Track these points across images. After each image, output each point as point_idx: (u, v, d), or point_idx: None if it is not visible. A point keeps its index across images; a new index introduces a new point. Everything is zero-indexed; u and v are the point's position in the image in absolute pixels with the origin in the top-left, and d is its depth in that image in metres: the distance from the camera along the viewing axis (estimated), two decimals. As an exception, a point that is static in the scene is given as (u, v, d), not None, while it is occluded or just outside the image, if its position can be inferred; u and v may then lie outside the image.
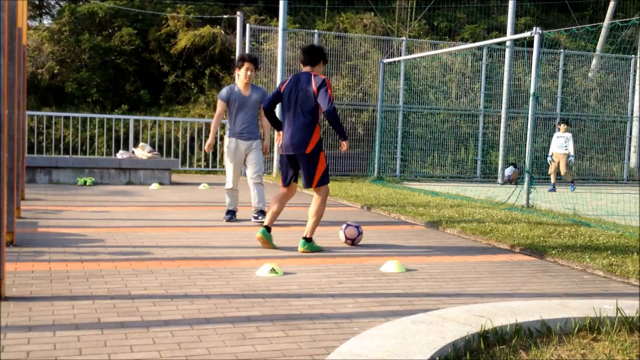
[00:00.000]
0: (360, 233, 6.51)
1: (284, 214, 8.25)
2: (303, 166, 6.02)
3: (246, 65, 7.49)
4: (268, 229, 6.09)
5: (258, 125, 7.87)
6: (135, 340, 3.40)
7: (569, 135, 13.98)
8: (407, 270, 5.36)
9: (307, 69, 6.07)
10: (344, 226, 6.56)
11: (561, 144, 13.82)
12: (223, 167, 15.60)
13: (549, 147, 14.66)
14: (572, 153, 13.82)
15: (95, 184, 11.93)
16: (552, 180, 13.93)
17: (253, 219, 7.80)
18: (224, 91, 7.67)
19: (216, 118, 7.69)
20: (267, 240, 6.07)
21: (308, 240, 6.04)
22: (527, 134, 9.97)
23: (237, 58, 7.83)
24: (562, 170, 13.84)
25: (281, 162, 6.20)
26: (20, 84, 6.80)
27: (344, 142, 6.11)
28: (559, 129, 14.29)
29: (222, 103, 7.66)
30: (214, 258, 5.59)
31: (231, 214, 7.84)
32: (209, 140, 7.75)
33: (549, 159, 14.69)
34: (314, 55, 6.08)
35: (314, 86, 5.88)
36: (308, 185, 6.06)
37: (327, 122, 6.16)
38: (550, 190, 13.22)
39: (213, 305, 4.10)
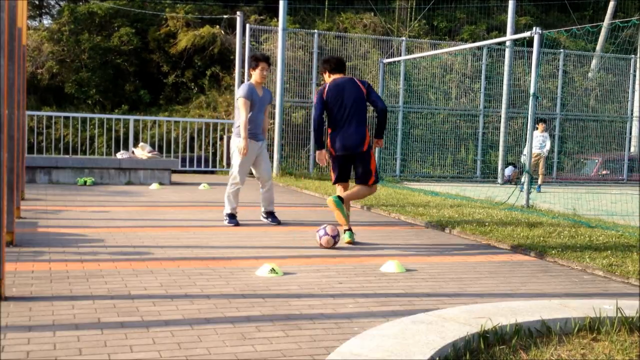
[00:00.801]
0: (335, 236, 6.28)
1: (284, 214, 8.25)
2: (360, 163, 6.48)
3: (261, 65, 7.41)
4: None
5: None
6: (135, 340, 3.40)
7: (547, 134, 14.05)
8: (407, 270, 5.36)
9: (340, 75, 6.62)
10: (321, 232, 6.31)
11: (540, 143, 13.83)
12: (223, 166, 15.63)
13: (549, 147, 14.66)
14: (546, 153, 13.87)
15: (95, 184, 11.93)
16: (540, 181, 13.97)
17: (263, 219, 7.84)
18: (247, 90, 7.35)
19: (246, 119, 7.30)
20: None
21: (343, 201, 6.46)
22: (527, 133, 9.97)
23: (251, 58, 7.70)
24: (540, 169, 13.89)
25: (335, 161, 6.56)
26: (20, 84, 6.80)
27: (381, 140, 6.70)
28: (537, 128, 14.32)
29: (248, 102, 7.33)
30: (214, 258, 5.59)
31: (235, 218, 7.62)
32: (242, 143, 7.31)
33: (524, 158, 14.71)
34: (343, 64, 6.75)
35: (363, 88, 6.48)
36: (365, 182, 6.53)
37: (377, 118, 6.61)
38: (537, 191, 13.26)
39: (213, 305, 4.10)
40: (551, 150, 17.51)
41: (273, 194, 7.86)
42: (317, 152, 6.54)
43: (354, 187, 6.63)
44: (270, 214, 7.82)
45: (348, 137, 6.38)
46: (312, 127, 6.57)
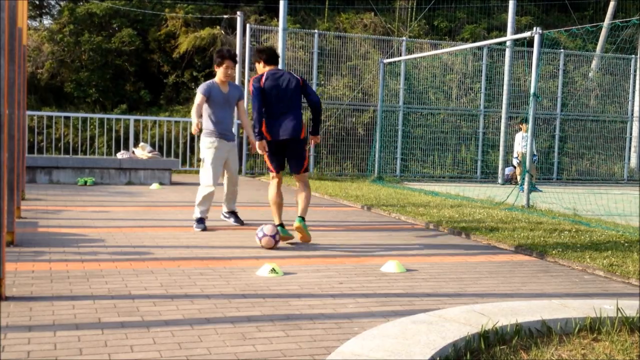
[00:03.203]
0: (274, 236, 6.14)
1: (285, 215, 8.25)
2: (296, 150, 6.51)
3: (226, 63, 7.25)
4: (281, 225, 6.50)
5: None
6: (135, 340, 3.39)
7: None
8: (407, 270, 5.36)
9: (274, 67, 6.64)
10: (259, 234, 6.13)
11: (527, 144, 13.80)
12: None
13: (549, 147, 14.66)
14: (535, 152, 13.85)
15: (95, 184, 11.93)
16: (533, 180, 13.95)
17: (223, 217, 7.70)
18: (204, 87, 7.28)
19: (197, 107, 7.18)
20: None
21: (304, 219, 6.47)
22: (528, 133, 9.96)
23: (216, 55, 7.42)
24: (532, 170, 13.86)
25: (273, 151, 6.50)
26: (20, 84, 6.79)
27: (318, 136, 6.67)
28: (521, 128, 14.29)
29: (202, 96, 7.21)
30: (214, 258, 5.59)
31: (204, 222, 7.24)
32: (194, 124, 7.07)
33: (515, 161, 14.69)
34: (277, 56, 6.78)
35: (300, 80, 6.55)
36: (298, 170, 6.57)
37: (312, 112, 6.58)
38: (533, 190, 13.22)
39: (213, 305, 4.10)
40: (551, 150, 17.52)
41: (236, 196, 7.68)
42: (258, 142, 6.39)
43: (299, 200, 6.55)
44: (233, 214, 7.67)
45: (286, 125, 6.40)
46: (254, 117, 6.31)
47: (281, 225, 6.45)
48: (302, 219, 6.46)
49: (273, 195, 6.57)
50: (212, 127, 7.31)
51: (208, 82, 7.43)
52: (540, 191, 13.19)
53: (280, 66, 14.68)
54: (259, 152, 6.53)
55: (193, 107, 7.35)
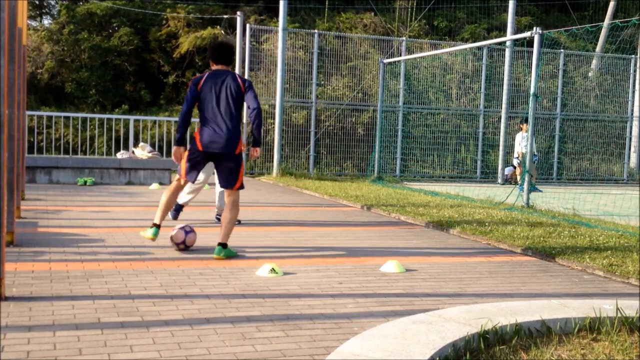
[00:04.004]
0: (188, 232, 5.89)
1: (285, 215, 8.25)
2: (228, 166, 5.75)
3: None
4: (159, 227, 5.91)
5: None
6: (135, 340, 3.40)
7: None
8: (407, 270, 5.36)
9: (223, 67, 5.89)
10: (174, 231, 5.91)
11: (527, 145, 13.80)
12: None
13: (549, 147, 14.66)
14: (535, 152, 13.86)
15: (95, 184, 11.93)
16: (533, 180, 13.96)
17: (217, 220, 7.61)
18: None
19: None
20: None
21: (225, 246, 5.65)
22: (527, 134, 9.97)
23: (210, 50, 7.47)
24: (532, 170, 13.86)
25: (194, 159, 5.77)
26: (20, 84, 6.80)
27: (258, 149, 5.89)
28: (521, 128, 14.28)
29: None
30: (213, 258, 5.58)
31: (178, 211, 7.50)
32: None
33: (515, 161, 14.67)
34: (231, 54, 5.99)
35: (241, 85, 5.78)
36: (230, 186, 5.76)
37: (252, 122, 5.79)
38: (533, 190, 13.23)
39: (213, 305, 4.10)
40: (551, 150, 17.52)
41: (190, 197, 7.53)
42: (174, 147, 5.85)
43: (223, 222, 5.70)
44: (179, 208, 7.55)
45: (219, 135, 5.64)
46: (179, 120, 5.71)
47: (158, 227, 5.86)
48: (223, 246, 5.63)
49: (168, 197, 5.91)
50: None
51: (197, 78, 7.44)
52: (540, 191, 13.20)
53: (280, 67, 14.72)
54: (174, 160, 5.89)
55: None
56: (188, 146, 5.87)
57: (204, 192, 11.24)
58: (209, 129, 5.68)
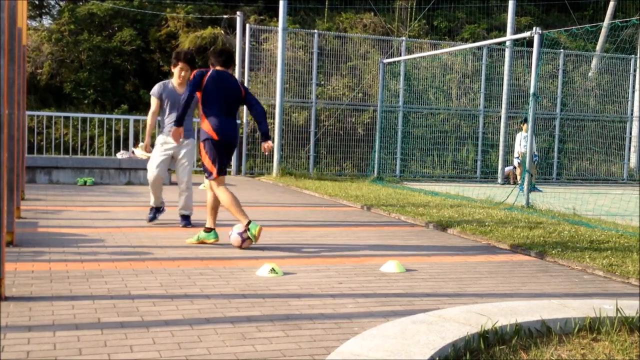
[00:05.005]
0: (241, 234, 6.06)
1: (285, 215, 8.25)
2: (230, 156, 6.33)
3: (180, 65, 7.25)
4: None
5: (192, 123, 7.55)
6: (135, 340, 3.40)
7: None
8: (407, 270, 5.36)
9: (222, 68, 6.28)
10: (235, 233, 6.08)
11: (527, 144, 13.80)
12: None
13: (549, 147, 14.65)
14: (535, 152, 13.86)
15: (95, 184, 11.93)
16: (533, 180, 13.97)
17: (181, 225, 7.41)
18: (157, 89, 7.30)
19: (152, 116, 7.26)
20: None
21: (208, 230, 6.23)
22: (528, 133, 9.97)
23: (173, 56, 7.44)
24: (532, 170, 13.87)
25: (218, 150, 6.09)
26: (20, 84, 6.80)
27: (269, 142, 6.27)
28: (522, 128, 14.27)
29: (156, 100, 7.27)
30: (214, 258, 5.59)
31: (156, 212, 7.44)
32: (146, 141, 7.35)
33: (516, 161, 14.66)
34: (232, 57, 6.49)
35: (242, 90, 6.28)
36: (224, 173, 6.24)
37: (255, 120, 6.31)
38: (532, 190, 13.23)
39: (213, 305, 4.10)
40: (551, 150, 17.52)
41: (190, 200, 7.39)
42: (174, 128, 6.17)
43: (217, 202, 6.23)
44: (186, 218, 7.41)
45: (230, 127, 6.15)
46: (181, 103, 6.11)
47: (250, 221, 6.02)
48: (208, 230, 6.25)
49: (229, 196, 6.09)
50: (164, 125, 7.35)
51: (160, 83, 7.44)
52: (540, 191, 13.20)
53: (279, 67, 14.72)
54: (173, 139, 6.31)
55: (149, 114, 7.34)
56: (202, 145, 6.15)
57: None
58: (219, 121, 6.07)
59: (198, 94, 6.18)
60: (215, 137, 6.05)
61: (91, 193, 10.42)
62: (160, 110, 7.41)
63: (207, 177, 6.22)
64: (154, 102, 7.33)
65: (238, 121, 6.28)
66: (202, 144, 6.14)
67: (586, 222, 8.12)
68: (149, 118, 7.33)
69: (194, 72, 6.26)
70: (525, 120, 14.16)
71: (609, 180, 18.23)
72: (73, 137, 15.56)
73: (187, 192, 7.40)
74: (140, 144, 13.65)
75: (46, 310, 3.87)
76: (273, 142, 15.05)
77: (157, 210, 7.52)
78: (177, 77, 7.35)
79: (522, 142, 14.06)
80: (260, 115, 6.19)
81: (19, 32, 6.01)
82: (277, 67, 14.82)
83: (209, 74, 6.15)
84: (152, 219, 7.45)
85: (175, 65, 7.33)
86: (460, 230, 7.41)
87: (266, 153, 6.45)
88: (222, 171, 6.16)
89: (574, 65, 18.50)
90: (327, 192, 11.21)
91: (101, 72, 18.18)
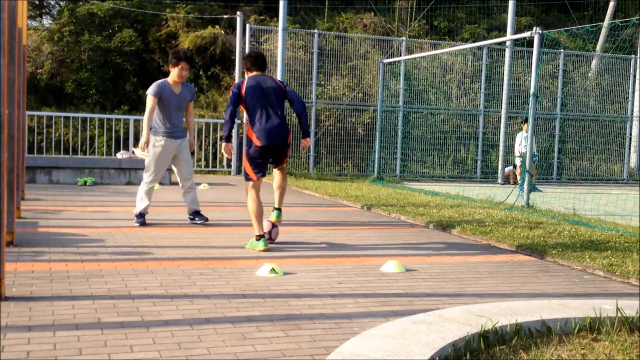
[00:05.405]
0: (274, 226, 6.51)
1: (285, 215, 8.23)
2: (283, 153, 6.43)
3: (182, 64, 7.29)
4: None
5: (182, 122, 7.59)
6: (135, 340, 3.40)
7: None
8: (407, 270, 5.36)
9: (259, 72, 6.42)
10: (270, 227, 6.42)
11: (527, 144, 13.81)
12: (223, 166, 15.64)
13: (549, 147, 14.65)
14: (535, 152, 13.86)
15: (95, 184, 11.93)
16: (533, 180, 13.97)
17: (190, 221, 7.52)
18: (155, 88, 7.33)
19: (150, 114, 7.29)
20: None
21: (280, 210, 6.58)
22: (528, 133, 9.97)
23: (171, 55, 7.46)
24: (532, 170, 13.88)
25: (260, 155, 6.25)
26: (20, 84, 6.80)
27: (309, 139, 6.53)
28: (522, 128, 14.25)
29: (154, 99, 7.30)
30: (214, 258, 5.59)
31: (144, 217, 7.40)
32: (143, 139, 7.34)
33: (518, 160, 14.65)
34: (265, 61, 6.60)
35: (281, 85, 6.42)
36: (281, 163, 6.50)
37: (297, 116, 6.46)
38: (532, 190, 13.23)
39: (213, 305, 4.10)
40: (551, 150, 17.53)
41: (195, 194, 7.56)
42: (225, 144, 6.31)
43: (278, 190, 6.60)
44: (195, 213, 7.51)
45: (275, 130, 6.21)
46: (225, 121, 6.30)
47: (263, 236, 6.17)
48: (280, 211, 6.62)
49: (254, 205, 6.30)
50: (161, 126, 7.36)
51: (159, 82, 7.45)
52: (541, 191, 13.20)
53: (279, 67, 14.72)
54: (225, 155, 6.45)
55: (146, 112, 7.35)
56: (246, 150, 6.31)
57: (207, 192, 11.23)
58: (264, 126, 6.20)
59: (241, 107, 6.37)
60: (258, 143, 6.21)
61: (91, 193, 10.42)
62: (157, 111, 7.39)
63: (246, 180, 6.41)
64: (152, 101, 7.31)
65: (282, 120, 6.29)
66: (245, 149, 6.33)
67: (586, 222, 8.12)
68: (146, 117, 7.32)
69: (231, 86, 6.38)
70: (526, 121, 14.16)
71: (609, 180, 18.23)
72: (73, 137, 15.55)
73: (191, 190, 7.50)
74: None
75: (46, 310, 3.87)
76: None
77: (143, 215, 7.43)
78: (177, 76, 7.36)
79: (523, 143, 14.07)
80: (301, 111, 6.36)
81: (19, 32, 6.01)
82: (277, 67, 14.82)
83: (245, 85, 6.29)
84: (143, 223, 7.32)
85: (175, 65, 7.33)
86: (460, 230, 7.41)
87: (304, 151, 6.57)
88: (260, 174, 6.33)
89: (574, 65, 18.50)
90: (327, 192, 11.22)
91: (102, 72, 18.17)
